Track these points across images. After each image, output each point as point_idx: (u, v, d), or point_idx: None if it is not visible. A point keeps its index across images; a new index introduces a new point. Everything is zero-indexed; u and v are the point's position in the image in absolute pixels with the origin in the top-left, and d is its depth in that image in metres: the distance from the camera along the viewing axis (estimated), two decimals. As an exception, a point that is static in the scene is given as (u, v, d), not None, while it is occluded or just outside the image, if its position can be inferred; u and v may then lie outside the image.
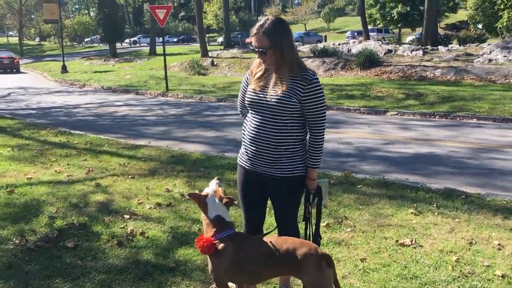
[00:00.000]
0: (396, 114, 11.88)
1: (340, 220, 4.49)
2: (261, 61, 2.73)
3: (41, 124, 10.73)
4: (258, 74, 2.77)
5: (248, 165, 2.86)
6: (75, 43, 69.35)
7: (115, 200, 5.16)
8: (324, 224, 4.35)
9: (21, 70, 33.23)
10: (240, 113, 3.03)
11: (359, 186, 5.57)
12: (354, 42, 27.03)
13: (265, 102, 2.70)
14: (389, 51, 21.75)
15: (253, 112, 2.78)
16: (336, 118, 11.56)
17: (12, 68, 32.22)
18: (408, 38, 38.89)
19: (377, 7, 41.35)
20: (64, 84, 23.65)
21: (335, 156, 7.49)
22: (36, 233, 4.20)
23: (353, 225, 4.35)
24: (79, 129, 9.92)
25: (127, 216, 4.59)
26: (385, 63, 19.18)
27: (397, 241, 3.97)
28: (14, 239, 4.04)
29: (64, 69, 28.31)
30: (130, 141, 8.60)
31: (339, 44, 25.85)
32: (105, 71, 27.23)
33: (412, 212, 4.66)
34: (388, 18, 40.65)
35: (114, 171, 6.37)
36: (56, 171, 6.38)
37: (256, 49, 2.68)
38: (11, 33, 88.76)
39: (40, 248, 3.89)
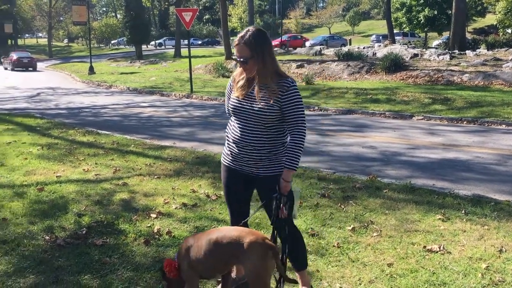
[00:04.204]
0: (422, 119, 11.72)
1: (366, 224, 4.45)
2: (243, 70, 2.87)
3: (70, 124, 10.95)
4: (241, 83, 2.91)
5: (232, 165, 3.02)
6: (102, 45, 70.63)
7: (142, 199, 5.23)
8: (350, 227, 4.32)
9: (38, 69, 36.83)
10: (228, 115, 3.12)
11: (385, 191, 5.52)
12: (380, 45, 26.81)
13: (248, 109, 2.85)
14: (415, 55, 21.49)
15: (236, 118, 2.94)
16: (361, 122, 11.48)
17: (30, 66, 36.55)
18: (435, 42, 38.35)
19: (403, 11, 40.97)
20: (91, 85, 24.08)
21: (359, 160, 7.43)
22: (65, 230, 4.29)
23: (379, 230, 4.31)
24: (106, 129, 10.09)
25: (153, 215, 4.65)
26: (411, 67, 18.97)
27: (424, 247, 3.92)
28: (44, 235, 4.14)
29: (91, 70, 28.84)
30: (156, 142, 8.70)
31: (364, 48, 25.70)
32: (131, 73, 27.63)
33: (439, 218, 4.59)
34: (414, 22, 40.22)
35: (141, 171, 6.45)
36: (84, 170, 6.50)
37: (238, 59, 2.82)
38: (40, 34, 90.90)
39: (69, 245, 3.97)
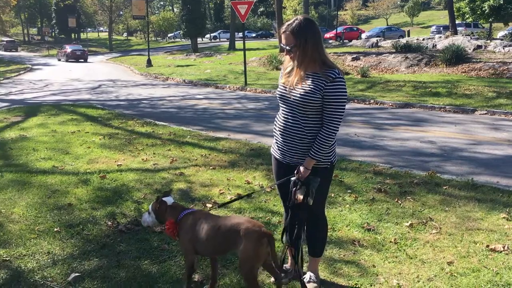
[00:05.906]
0: (485, 114, 11.20)
1: (424, 221, 4.32)
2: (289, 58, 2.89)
3: (129, 115, 11.33)
4: (288, 69, 2.95)
5: (278, 155, 3.07)
6: (159, 38, 72.36)
7: (198, 189, 5.34)
8: (408, 224, 4.22)
9: (91, 61, 41.07)
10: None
11: (444, 187, 5.33)
12: (440, 37, 25.81)
13: (291, 96, 2.87)
14: (479, 46, 20.56)
15: (282, 105, 2.98)
16: (419, 116, 11.13)
17: (81, 58, 40.92)
18: (500, 33, 36.44)
19: (466, 0, 39.09)
20: (148, 78, 24.78)
21: (417, 155, 7.21)
22: (126, 216, 4.46)
23: (438, 227, 4.18)
24: (163, 121, 10.36)
25: (209, 205, 4.74)
26: (474, 59, 18.15)
27: (487, 246, 3.76)
28: (106, 221, 4.33)
29: (149, 63, 29.66)
30: (211, 133, 8.84)
31: (423, 39, 24.86)
32: (187, 65, 28.17)
33: (504, 217, 4.39)
34: (478, 12, 38.21)
35: (196, 162, 6.59)
36: (143, 159, 6.72)
37: (284, 47, 2.84)
38: (101, 28, 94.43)
39: (130, 231, 4.12)
